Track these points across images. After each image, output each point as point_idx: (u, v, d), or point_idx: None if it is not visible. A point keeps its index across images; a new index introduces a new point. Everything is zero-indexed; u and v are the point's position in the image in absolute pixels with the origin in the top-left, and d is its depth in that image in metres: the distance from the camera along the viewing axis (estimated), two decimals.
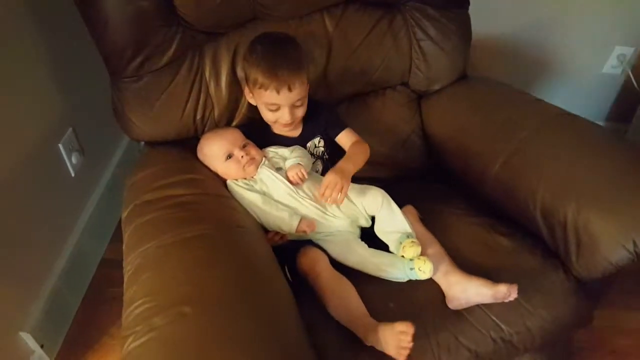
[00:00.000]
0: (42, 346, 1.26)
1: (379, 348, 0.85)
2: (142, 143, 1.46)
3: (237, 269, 0.82)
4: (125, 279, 0.83)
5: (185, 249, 0.83)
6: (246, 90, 1.09)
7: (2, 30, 1.09)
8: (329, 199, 0.97)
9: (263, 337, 0.72)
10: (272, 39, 1.05)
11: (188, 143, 1.14)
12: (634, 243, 0.91)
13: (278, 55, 1.01)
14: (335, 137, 1.14)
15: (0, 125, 1.10)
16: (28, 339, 1.23)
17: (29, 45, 1.21)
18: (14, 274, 1.19)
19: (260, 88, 1.01)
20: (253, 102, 1.09)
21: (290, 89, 1.00)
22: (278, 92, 1.00)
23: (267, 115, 1.07)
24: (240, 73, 1.11)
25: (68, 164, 1.37)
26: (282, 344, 0.74)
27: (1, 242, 1.12)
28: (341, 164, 1.02)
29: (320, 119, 1.13)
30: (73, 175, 1.39)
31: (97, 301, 1.46)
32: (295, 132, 1.13)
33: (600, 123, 1.98)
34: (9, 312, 1.19)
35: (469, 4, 1.27)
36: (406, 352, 0.83)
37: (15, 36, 1.15)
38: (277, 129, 1.12)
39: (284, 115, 1.04)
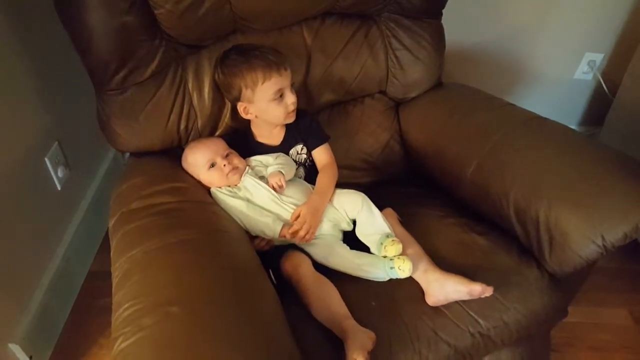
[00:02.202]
0: (30, 357, 1.27)
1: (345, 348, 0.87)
2: (127, 156, 1.49)
3: (222, 270, 0.85)
4: (114, 284, 0.85)
5: (171, 253, 0.86)
6: (241, 108, 1.11)
7: None
8: (295, 239, 1.03)
9: (248, 333, 0.75)
10: (243, 45, 1.11)
11: (172, 153, 1.17)
12: (602, 237, 0.95)
13: (259, 49, 1.08)
14: (312, 150, 1.18)
15: None
16: (17, 351, 1.23)
17: (14, 60, 1.23)
18: (2, 286, 1.20)
19: (263, 83, 1.05)
20: (251, 116, 1.12)
21: (285, 69, 1.07)
22: (280, 73, 1.06)
23: (275, 112, 1.09)
24: (230, 95, 1.13)
25: (54, 178, 1.39)
26: (267, 340, 0.76)
27: None
28: (316, 199, 1.08)
29: (302, 127, 1.17)
30: (59, 188, 1.41)
31: (86, 312, 1.47)
32: (277, 140, 1.17)
33: (574, 127, 2.06)
34: None
35: (441, 14, 1.33)
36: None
37: None
38: (264, 137, 1.17)
39: (290, 97, 1.09)
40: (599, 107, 1.91)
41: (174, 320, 0.73)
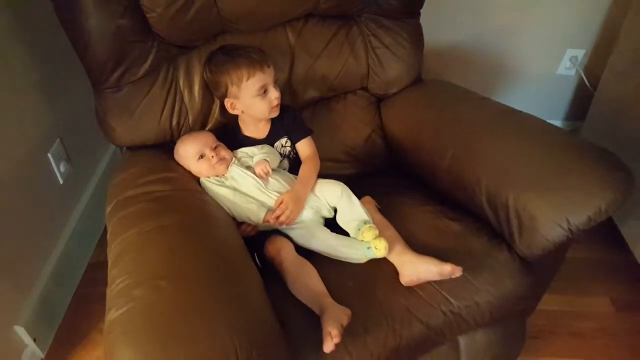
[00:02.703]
0: (34, 340, 1.36)
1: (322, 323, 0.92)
2: (125, 151, 1.56)
3: (209, 250, 0.92)
4: (109, 263, 0.93)
5: (162, 234, 0.93)
6: (228, 103, 1.19)
7: None
8: (276, 223, 1.10)
9: (232, 305, 0.82)
10: (229, 46, 1.19)
11: (165, 147, 1.24)
12: (568, 221, 1.01)
13: (243, 49, 1.16)
14: (296, 143, 1.26)
15: None
16: (22, 333, 1.32)
17: (19, 62, 1.31)
18: (8, 272, 1.28)
19: (248, 79, 1.13)
20: (237, 111, 1.20)
21: (268, 66, 1.15)
22: (263, 71, 1.13)
23: (259, 106, 1.17)
24: (218, 92, 1.20)
25: (57, 172, 1.47)
26: (249, 312, 0.83)
27: None
28: (298, 187, 1.16)
29: (286, 121, 1.24)
30: (61, 182, 1.50)
31: (86, 300, 1.55)
32: (263, 134, 1.24)
33: (559, 122, 2.12)
34: (4, 306, 1.28)
35: (419, 14, 1.39)
36: (331, 343, 0.88)
37: (5, 53, 1.25)
38: (250, 131, 1.24)
39: (273, 92, 1.16)
40: (582, 102, 1.97)
41: (162, 292, 0.81)
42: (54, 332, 1.46)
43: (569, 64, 1.94)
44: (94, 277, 1.62)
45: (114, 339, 0.78)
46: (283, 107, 1.22)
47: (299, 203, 1.12)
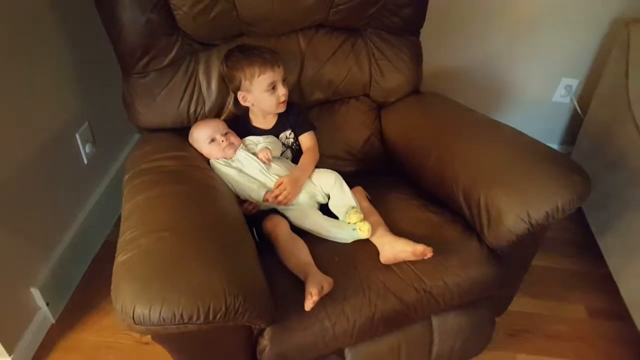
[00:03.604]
0: (47, 304, 1.48)
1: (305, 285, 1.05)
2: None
3: (210, 214, 1.06)
4: (122, 222, 1.06)
5: (169, 199, 1.07)
6: (240, 96, 1.34)
7: (30, 39, 1.36)
8: (275, 202, 1.24)
9: (226, 259, 0.95)
10: (245, 45, 1.34)
11: (180, 131, 1.39)
12: (529, 215, 1.13)
13: (257, 48, 1.31)
14: (299, 135, 1.40)
15: (28, 117, 1.36)
16: (37, 295, 1.44)
17: (53, 52, 1.47)
18: (30, 236, 1.42)
19: (260, 76, 1.27)
20: (249, 103, 1.34)
21: (279, 66, 1.29)
22: (274, 69, 1.28)
23: (268, 101, 1.31)
24: (232, 85, 1.35)
25: (82, 153, 1.62)
26: (240, 264, 0.97)
27: (21, 208, 1.36)
28: (297, 172, 1.30)
29: (291, 117, 1.39)
30: (85, 163, 1.65)
31: (100, 274, 1.67)
32: (269, 125, 1.39)
33: (555, 146, 2.23)
34: (24, 267, 1.41)
35: (419, 33, 1.54)
36: (311, 300, 1.01)
37: (41, 44, 1.41)
38: (259, 122, 1.39)
39: (281, 89, 1.30)
40: (575, 128, 2.08)
41: (164, 240, 0.94)
42: (67, 299, 1.59)
43: (564, 92, 2.07)
44: (110, 253, 1.74)
45: (119, 276, 0.92)
46: (290, 104, 1.37)
47: (296, 186, 1.26)
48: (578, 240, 1.89)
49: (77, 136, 1.58)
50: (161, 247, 0.93)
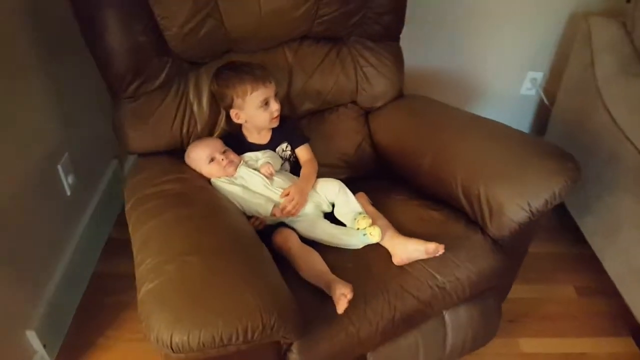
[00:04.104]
0: (44, 346, 1.41)
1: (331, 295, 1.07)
2: (129, 166, 1.67)
3: (228, 234, 1.05)
4: (135, 250, 1.04)
5: (184, 222, 1.06)
6: (233, 113, 1.33)
7: (11, 69, 1.30)
8: (283, 213, 1.24)
9: (256, 277, 0.95)
10: (235, 62, 1.34)
11: (174, 153, 1.37)
12: (529, 204, 1.19)
13: (247, 66, 1.31)
14: (295, 149, 1.41)
15: (9, 149, 1.30)
16: (33, 339, 1.38)
17: (35, 81, 1.42)
18: (20, 278, 1.36)
19: (251, 93, 1.28)
20: (242, 120, 1.34)
21: (270, 82, 1.29)
22: (265, 85, 1.28)
23: (262, 117, 1.31)
24: (224, 103, 1.34)
25: (65, 184, 1.56)
26: (268, 279, 0.97)
27: (9, 250, 1.30)
28: (302, 183, 1.31)
29: (286, 130, 1.40)
30: (69, 194, 1.59)
31: (91, 308, 1.63)
32: (265, 140, 1.39)
33: None
34: (18, 311, 1.35)
35: (399, 38, 1.59)
36: (345, 301, 1.03)
37: (21, 75, 1.35)
38: (254, 138, 1.38)
39: (274, 105, 1.30)
40: (543, 118, 2.19)
41: (191, 265, 0.93)
42: (62, 339, 1.52)
43: (530, 85, 2.17)
44: (98, 286, 1.70)
45: (150, 305, 0.89)
46: (283, 117, 1.37)
47: (303, 195, 1.27)
48: (557, 224, 1.98)
49: (59, 167, 1.52)
50: (189, 271, 0.92)
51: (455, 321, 1.29)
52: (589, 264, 1.77)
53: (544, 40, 2.06)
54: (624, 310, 1.58)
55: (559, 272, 1.82)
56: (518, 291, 1.71)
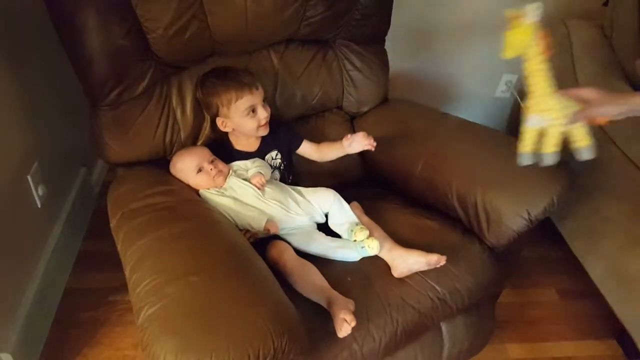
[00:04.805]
0: None
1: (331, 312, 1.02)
2: (97, 175, 1.56)
3: (226, 250, 0.99)
4: (128, 269, 0.96)
5: (179, 239, 0.99)
6: (219, 122, 1.28)
7: None
8: (367, 145, 1.25)
9: (260, 296, 0.90)
10: (220, 68, 1.28)
11: (157, 163, 1.30)
12: (528, 212, 1.18)
13: (233, 72, 1.25)
14: (297, 150, 1.36)
15: None
16: None
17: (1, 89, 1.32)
18: None
19: (237, 101, 1.22)
20: (229, 128, 1.29)
21: (257, 88, 1.24)
22: (251, 92, 1.22)
23: (249, 125, 1.26)
24: (209, 111, 1.30)
25: (35, 195, 1.46)
26: (274, 299, 0.92)
27: None
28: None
29: (278, 135, 1.34)
30: (39, 206, 1.48)
31: (66, 326, 1.53)
32: (253, 148, 1.33)
33: None
34: None
35: (384, 41, 1.56)
36: (348, 328, 0.98)
37: None
38: (241, 145, 1.32)
39: (262, 112, 1.25)
40: (517, 120, 2.21)
41: (194, 287, 0.87)
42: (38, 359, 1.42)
43: (504, 88, 2.20)
44: (72, 302, 1.60)
45: (152, 332, 0.83)
46: (274, 122, 1.32)
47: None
48: (535, 228, 2.00)
49: (29, 178, 1.42)
50: (192, 293, 0.86)
51: (452, 331, 1.27)
52: (569, 266, 1.79)
53: None
54: (607, 312, 1.60)
55: (540, 275, 1.84)
56: (502, 296, 1.71)
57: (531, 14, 0.94)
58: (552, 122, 1.00)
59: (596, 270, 1.63)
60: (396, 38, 1.86)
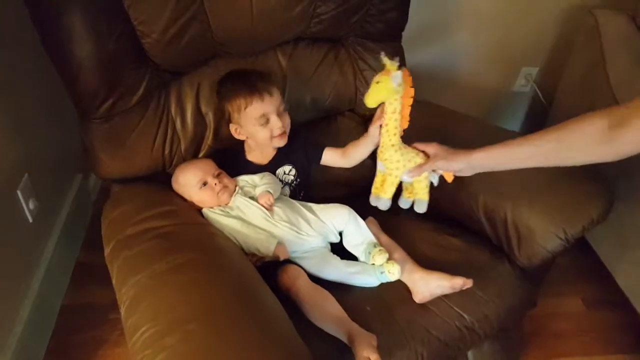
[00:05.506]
0: None
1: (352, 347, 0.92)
2: (93, 183, 1.45)
3: (229, 285, 0.88)
4: (123, 310, 0.86)
5: (178, 274, 0.88)
6: (233, 129, 1.18)
7: None
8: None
9: (266, 338, 0.80)
10: (237, 70, 1.17)
11: (157, 178, 1.19)
12: (564, 231, 1.08)
13: (247, 75, 1.14)
14: (320, 162, 1.25)
15: None
16: None
17: None
18: None
19: (246, 108, 1.11)
20: (242, 137, 1.18)
21: (270, 94, 1.11)
22: (262, 99, 1.10)
23: (261, 134, 1.15)
24: (224, 117, 1.19)
25: (26, 210, 1.35)
26: (283, 342, 0.82)
27: None
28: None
29: (293, 149, 1.22)
30: (31, 221, 1.38)
31: (64, 348, 1.43)
32: (266, 160, 1.22)
33: None
34: None
35: (401, 36, 1.43)
36: None
37: None
38: (252, 156, 1.22)
39: (275, 122, 1.13)
40: (537, 115, 2.10)
41: (194, 336, 0.76)
42: None
43: (524, 82, 2.06)
44: (69, 321, 1.50)
45: None
46: (292, 132, 1.20)
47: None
48: None
49: (19, 192, 1.31)
50: (193, 346, 0.76)
51: (479, 358, 1.17)
52: (594, 273, 1.70)
53: (539, 33, 1.94)
54: (637, 323, 1.51)
55: (564, 284, 1.73)
56: None
57: (395, 78, 0.98)
58: (389, 172, 1.06)
59: (627, 280, 1.54)
60: (405, 31, 1.74)
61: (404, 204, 1.13)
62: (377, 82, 1.00)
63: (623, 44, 1.58)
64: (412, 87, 1.02)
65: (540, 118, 2.03)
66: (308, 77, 1.32)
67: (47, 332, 1.44)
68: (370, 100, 1.02)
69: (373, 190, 1.10)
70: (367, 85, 1.38)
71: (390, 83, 0.98)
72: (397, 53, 1.43)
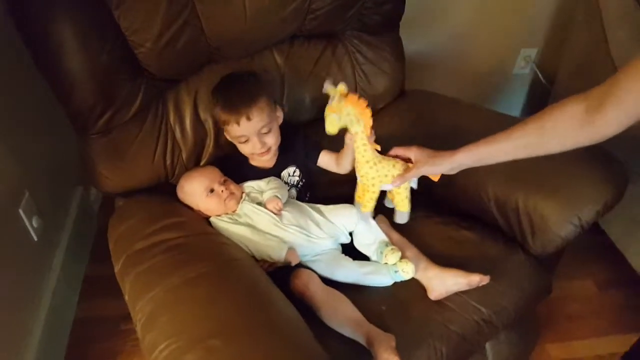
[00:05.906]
0: None
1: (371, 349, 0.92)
2: (94, 194, 1.44)
3: (247, 297, 0.87)
4: (139, 327, 0.85)
5: (194, 287, 0.87)
6: (227, 136, 1.15)
7: None
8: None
9: (288, 349, 0.79)
10: (230, 78, 1.13)
11: (160, 190, 1.17)
12: (579, 218, 1.06)
13: (233, 90, 1.10)
14: (316, 164, 1.22)
15: None
16: None
17: None
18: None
19: (225, 125, 1.09)
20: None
21: (249, 118, 1.06)
22: (238, 123, 1.07)
23: (244, 149, 1.13)
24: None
25: (30, 229, 1.33)
26: (304, 352, 0.81)
27: None
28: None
29: (295, 148, 1.21)
30: (36, 239, 1.36)
31: None
32: (270, 163, 1.20)
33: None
34: None
35: (398, 27, 1.40)
36: None
37: None
38: (256, 161, 1.19)
39: (255, 145, 1.10)
40: (538, 97, 2.07)
41: (216, 352, 0.75)
42: None
43: (523, 63, 2.03)
44: (81, 335, 1.49)
45: None
46: (290, 130, 1.19)
47: None
48: None
49: (21, 212, 1.29)
50: None
51: (496, 349, 1.17)
52: (605, 255, 1.68)
53: (537, 13, 1.90)
54: None
55: (575, 266, 1.70)
56: None
57: (332, 100, 1.01)
58: (366, 188, 1.07)
59: (638, 258, 1.52)
60: (402, 17, 1.71)
61: (388, 203, 1.13)
62: (327, 115, 1.02)
63: (624, 20, 1.55)
64: (367, 107, 1.02)
65: (541, 100, 2.01)
66: (306, 75, 1.29)
67: (62, 348, 1.43)
68: (329, 129, 1.04)
69: (355, 197, 1.10)
70: (367, 79, 1.37)
71: (336, 114, 1.01)
72: (395, 43, 1.41)
